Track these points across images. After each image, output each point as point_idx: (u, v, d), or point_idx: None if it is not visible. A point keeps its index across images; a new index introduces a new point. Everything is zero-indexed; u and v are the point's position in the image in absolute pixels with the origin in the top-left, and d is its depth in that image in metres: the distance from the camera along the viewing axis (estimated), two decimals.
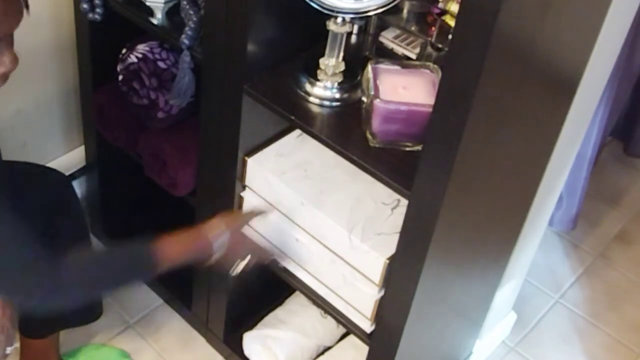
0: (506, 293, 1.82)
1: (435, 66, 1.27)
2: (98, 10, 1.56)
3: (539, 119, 1.36)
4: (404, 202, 1.20)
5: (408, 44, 1.41)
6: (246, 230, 1.48)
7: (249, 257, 1.41)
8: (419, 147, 1.18)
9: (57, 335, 1.67)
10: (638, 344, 2.03)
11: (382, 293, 1.35)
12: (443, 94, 1.06)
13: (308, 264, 1.46)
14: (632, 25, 1.52)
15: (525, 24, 1.04)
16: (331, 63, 1.32)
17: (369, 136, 1.24)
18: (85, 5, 1.56)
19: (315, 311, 1.76)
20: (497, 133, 1.20)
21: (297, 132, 1.50)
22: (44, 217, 1.45)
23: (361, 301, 1.40)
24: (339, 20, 1.26)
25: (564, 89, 1.39)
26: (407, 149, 1.24)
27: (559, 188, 1.71)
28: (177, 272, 1.40)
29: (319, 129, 1.29)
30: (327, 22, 1.28)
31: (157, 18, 1.50)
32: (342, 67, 1.33)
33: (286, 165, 1.45)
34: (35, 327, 1.61)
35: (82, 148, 1.96)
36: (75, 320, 1.67)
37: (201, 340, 1.87)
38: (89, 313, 1.68)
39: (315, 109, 1.32)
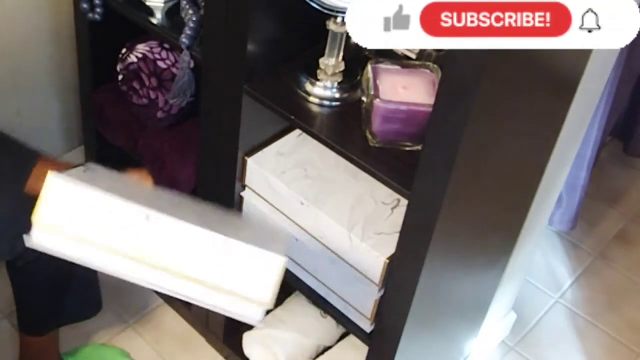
0: (506, 293, 1.82)
1: (435, 66, 1.27)
2: (98, 10, 1.56)
3: (539, 119, 1.36)
4: (404, 202, 1.20)
5: None
6: None
7: None
8: (419, 147, 1.18)
9: (57, 334, 1.67)
10: (638, 344, 2.03)
11: (382, 293, 1.35)
12: (443, 94, 1.06)
13: (308, 264, 1.46)
14: None
15: None
16: (331, 63, 1.32)
17: (369, 136, 1.24)
18: (85, 5, 1.56)
19: (315, 311, 1.75)
20: (497, 133, 1.20)
21: (297, 132, 1.50)
22: None
23: (361, 301, 1.40)
24: (339, 20, 1.26)
25: (564, 89, 1.39)
26: (407, 149, 1.24)
27: (559, 188, 1.71)
28: None
29: (319, 129, 1.29)
30: (327, 22, 1.27)
31: (157, 18, 1.50)
32: (342, 67, 1.33)
33: (286, 165, 1.45)
34: (35, 324, 1.61)
35: (82, 148, 1.96)
36: (75, 316, 1.67)
37: (201, 341, 1.87)
38: (88, 307, 1.68)
39: (315, 109, 1.32)
